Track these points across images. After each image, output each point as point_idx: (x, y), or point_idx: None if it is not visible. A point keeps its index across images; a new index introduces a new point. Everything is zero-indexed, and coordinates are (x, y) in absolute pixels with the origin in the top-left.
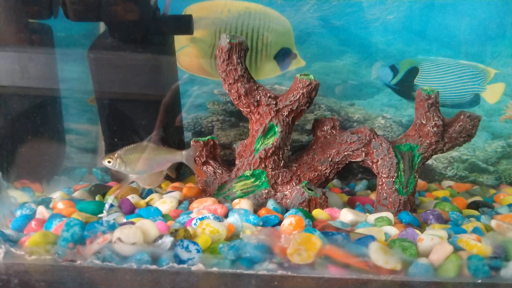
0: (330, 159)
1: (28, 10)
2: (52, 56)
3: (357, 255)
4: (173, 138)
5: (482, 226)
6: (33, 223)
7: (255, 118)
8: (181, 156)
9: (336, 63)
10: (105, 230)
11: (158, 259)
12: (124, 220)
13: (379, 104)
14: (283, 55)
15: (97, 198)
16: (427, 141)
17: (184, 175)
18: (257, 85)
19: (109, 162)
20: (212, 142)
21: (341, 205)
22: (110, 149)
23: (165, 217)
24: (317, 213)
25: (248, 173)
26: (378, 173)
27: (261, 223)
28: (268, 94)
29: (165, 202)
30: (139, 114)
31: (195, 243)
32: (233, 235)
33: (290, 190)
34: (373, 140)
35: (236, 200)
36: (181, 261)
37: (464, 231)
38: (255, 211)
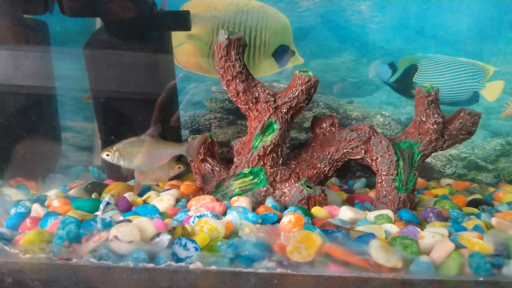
0: (329, 157)
1: (23, 6)
2: (48, 52)
3: (358, 253)
4: (170, 136)
5: (483, 224)
6: (28, 221)
7: (253, 115)
8: (181, 148)
9: (335, 61)
10: (101, 228)
11: (155, 258)
12: (121, 218)
13: (378, 102)
14: (281, 52)
15: (94, 196)
16: (427, 139)
17: (182, 173)
18: (256, 82)
19: (107, 155)
20: (210, 140)
21: (340, 203)
22: (107, 147)
23: (163, 215)
24: (316, 210)
25: (246, 170)
26: (378, 170)
27: (260, 221)
28: (267, 91)
29: (163, 200)
30: (135, 111)
31: (193, 241)
32: (232, 233)
33: (289, 188)
34: (373, 137)
35: (235, 198)
36: (179, 260)
37: (465, 229)
38: (254, 209)
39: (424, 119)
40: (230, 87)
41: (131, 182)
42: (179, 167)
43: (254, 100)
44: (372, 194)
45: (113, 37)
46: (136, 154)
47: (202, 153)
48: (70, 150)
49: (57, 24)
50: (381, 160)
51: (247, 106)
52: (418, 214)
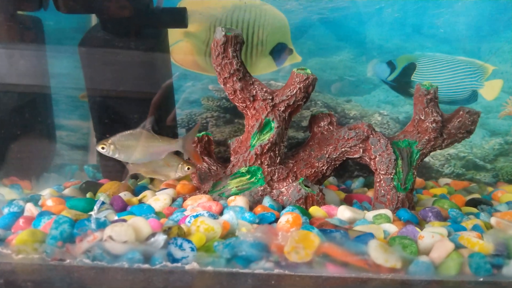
0: (327, 156)
1: (17, 2)
2: (42, 50)
3: (356, 253)
4: (166, 135)
5: (482, 223)
6: (21, 220)
7: (250, 114)
8: (177, 144)
9: (333, 59)
10: (95, 228)
11: (150, 258)
12: (116, 218)
13: (376, 101)
14: (279, 51)
15: (88, 195)
16: (426, 137)
17: None
18: (253, 80)
19: (102, 148)
20: (206, 138)
21: (338, 203)
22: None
23: (158, 215)
24: (314, 210)
25: (243, 169)
26: (376, 169)
27: (257, 221)
28: (264, 89)
29: (158, 200)
30: (131, 109)
31: (189, 241)
32: (229, 233)
33: (286, 187)
34: (371, 136)
35: (231, 197)
36: (174, 260)
37: (464, 229)
38: (251, 209)
39: (423, 118)
40: (227, 85)
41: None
42: (188, 168)
43: (251, 98)
44: (370, 193)
45: (108, 34)
46: (131, 147)
47: (199, 152)
48: (65, 149)
49: (52, 21)
50: (379, 159)
51: (244, 104)
52: (417, 214)
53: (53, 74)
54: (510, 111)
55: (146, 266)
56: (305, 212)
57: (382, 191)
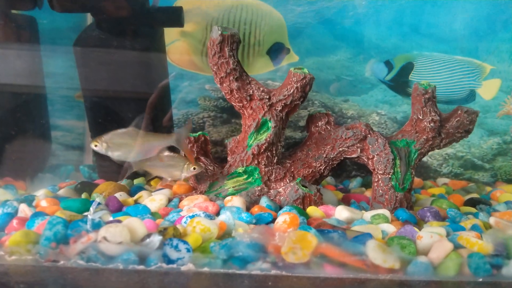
0: (324, 155)
1: (11, 1)
2: (37, 49)
3: (354, 254)
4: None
5: (481, 223)
6: (14, 221)
7: (247, 113)
8: (171, 140)
9: (330, 58)
10: (89, 229)
11: (146, 259)
12: (111, 218)
13: (374, 100)
14: (276, 50)
15: (83, 196)
16: (424, 137)
17: None
18: (250, 79)
19: (95, 146)
20: (203, 138)
21: (336, 203)
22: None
23: (154, 215)
24: (311, 210)
25: (240, 169)
26: (374, 169)
27: (254, 221)
28: (261, 88)
29: (154, 200)
30: (127, 109)
31: (185, 242)
32: (225, 234)
33: (284, 187)
34: (369, 135)
35: (228, 198)
36: (170, 261)
37: (463, 229)
38: (248, 209)
39: (421, 117)
40: (224, 85)
41: (123, 182)
42: (194, 168)
43: (248, 98)
44: (368, 193)
45: (104, 34)
46: (124, 145)
47: (195, 152)
48: (60, 149)
49: (47, 20)
50: (377, 158)
51: (241, 104)
52: (415, 214)
53: (48, 74)
54: (508, 110)
55: (141, 267)
56: (302, 212)
57: (380, 191)
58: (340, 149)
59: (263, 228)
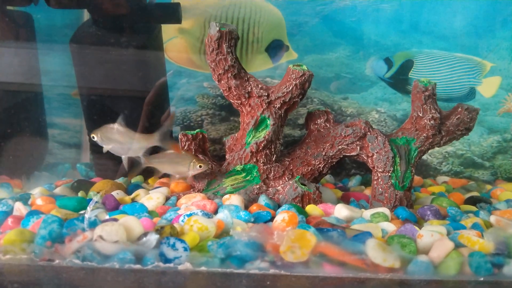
0: (323, 153)
1: None
2: (33, 46)
3: (354, 253)
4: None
5: (481, 221)
6: (9, 220)
7: (246, 111)
8: (153, 139)
9: (329, 56)
10: (85, 228)
11: (142, 258)
12: (107, 217)
13: (373, 98)
14: (274, 47)
15: (80, 194)
16: (424, 135)
17: None
18: (248, 76)
19: (93, 137)
20: (201, 136)
21: (335, 201)
22: (95, 143)
23: (151, 214)
24: (310, 208)
25: (239, 167)
26: (374, 167)
27: (252, 220)
28: (260, 86)
29: (151, 198)
30: (124, 107)
31: (182, 241)
32: (223, 232)
33: (282, 185)
34: (368, 133)
35: (226, 196)
36: (167, 260)
37: (464, 227)
38: (246, 207)
39: (421, 115)
40: (222, 82)
41: (119, 180)
42: (200, 166)
43: (246, 95)
44: (367, 191)
45: (100, 30)
46: (113, 141)
47: (193, 150)
48: (57, 147)
49: (43, 16)
50: (377, 156)
51: (239, 101)
52: (415, 212)
53: (44, 71)
54: (509, 108)
55: (138, 266)
56: (301, 211)
57: (380, 189)
58: (340, 147)
59: (262, 227)
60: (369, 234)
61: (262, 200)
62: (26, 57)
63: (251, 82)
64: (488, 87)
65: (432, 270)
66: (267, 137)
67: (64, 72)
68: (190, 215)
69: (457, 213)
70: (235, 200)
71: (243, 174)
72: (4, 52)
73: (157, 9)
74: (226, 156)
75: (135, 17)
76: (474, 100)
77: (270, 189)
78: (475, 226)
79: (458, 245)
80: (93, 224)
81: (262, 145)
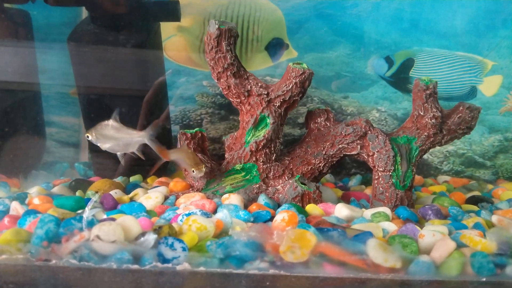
0: (324, 152)
1: None
2: (31, 44)
3: (355, 253)
4: (160, 134)
5: (483, 221)
6: (6, 219)
7: (245, 109)
8: (141, 137)
9: (329, 54)
10: (82, 227)
11: (140, 258)
12: (104, 217)
13: (374, 97)
14: (274, 46)
15: (78, 193)
16: (425, 134)
17: (172, 169)
18: (248, 74)
19: (87, 136)
20: (200, 135)
21: (336, 200)
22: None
23: (149, 213)
24: (311, 208)
25: (238, 166)
26: (374, 166)
27: (252, 219)
28: (259, 84)
29: (150, 198)
30: (123, 105)
31: (180, 241)
32: (222, 232)
33: (282, 185)
34: (369, 132)
35: (226, 195)
36: (165, 260)
37: (465, 227)
38: (246, 207)
39: (422, 114)
40: (221, 80)
41: (118, 179)
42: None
43: (246, 94)
44: (368, 191)
45: (98, 28)
46: (107, 137)
47: (192, 149)
48: (55, 146)
49: (41, 14)
50: (377, 155)
51: (238, 100)
52: (416, 212)
53: (42, 70)
54: (510, 107)
55: (135, 266)
56: (301, 210)
57: (381, 189)
58: (340, 146)
59: (261, 227)
60: (370, 234)
61: (262, 199)
62: (23, 56)
63: (250, 81)
64: (489, 86)
65: (433, 271)
66: (266, 136)
67: (62, 71)
68: (188, 214)
69: (458, 212)
70: (234, 199)
71: (243, 173)
72: (1, 50)
73: (155, 6)
74: (225, 155)
75: (133, 15)
76: (475, 99)
77: (269, 188)
78: (477, 226)
79: (460, 245)
80: (90, 224)
81: (262, 144)
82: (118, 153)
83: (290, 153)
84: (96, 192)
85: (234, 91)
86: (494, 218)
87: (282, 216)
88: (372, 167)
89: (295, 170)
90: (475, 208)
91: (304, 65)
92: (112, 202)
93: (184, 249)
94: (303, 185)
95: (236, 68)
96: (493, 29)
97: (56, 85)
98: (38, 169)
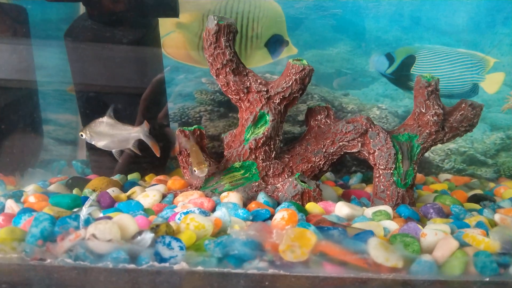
0: (324, 150)
1: None
2: (28, 41)
3: (355, 252)
4: (158, 131)
5: (486, 220)
6: (0, 218)
7: (244, 106)
8: (137, 132)
9: (330, 51)
10: (78, 226)
11: (137, 258)
12: (100, 215)
13: (374, 94)
14: (274, 43)
15: (75, 191)
16: (427, 131)
17: (171, 167)
18: (247, 71)
19: (81, 135)
20: (198, 132)
21: (336, 199)
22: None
23: (147, 212)
24: (311, 206)
25: (237, 164)
26: (375, 164)
27: (251, 218)
28: (259, 81)
29: (148, 196)
30: (121, 103)
31: (178, 240)
32: (220, 231)
33: (282, 183)
34: (370, 129)
35: (224, 193)
36: (162, 260)
37: (467, 226)
38: (245, 205)
39: (423, 111)
40: (220, 76)
41: (116, 177)
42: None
43: (245, 90)
44: (368, 189)
45: (96, 24)
46: (102, 134)
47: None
48: (52, 144)
49: (38, 10)
50: (378, 153)
51: (238, 97)
52: (418, 210)
53: (39, 67)
54: None
55: (132, 266)
56: (301, 209)
57: (382, 187)
58: (340, 143)
59: (260, 225)
60: (370, 233)
61: (261, 197)
62: (20, 52)
63: (250, 77)
64: (491, 83)
65: (436, 270)
66: (266, 133)
67: (59, 67)
68: (186, 213)
69: (460, 211)
70: (233, 197)
71: (242, 171)
72: None
73: (154, 2)
74: (224, 153)
75: (131, 11)
76: (477, 97)
77: (269, 186)
78: (479, 225)
79: (462, 244)
80: (86, 222)
81: (261, 141)
82: (114, 151)
83: (290, 150)
84: (93, 190)
85: (233, 88)
86: (497, 217)
87: (281, 214)
88: (373, 165)
89: (295, 168)
90: (477, 206)
91: (304, 62)
92: (109, 200)
93: (181, 248)
94: (303, 183)
95: (235, 65)
96: (496, 26)
97: (53, 82)
98: (35, 167)
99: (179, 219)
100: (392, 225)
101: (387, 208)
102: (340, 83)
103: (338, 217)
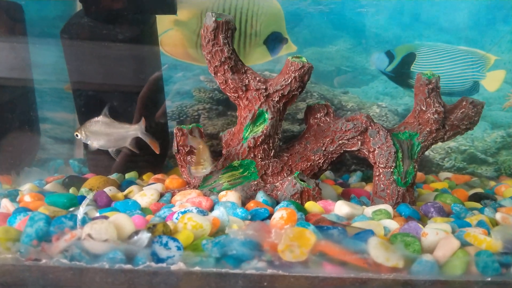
0: (323, 148)
1: None
2: (24, 38)
3: (355, 252)
4: (155, 129)
5: (487, 219)
6: None
7: (243, 104)
8: (134, 130)
9: (329, 49)
10: (73, 226)
11: (133, 258)
12: (97, 214)
13: (374, 92)
14: (273, 40)
15: (71, 190)
16: (427, 129)
17: (169, 166)
18: (246, 68)
19: (76, 135)
20: (197, 130)
21: (336, 198)
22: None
23: (144, 211)
24: (310, 205)
25: (236, 163)
26: (375, 163)
27: (249, 217)
28: (258, 78)
29: (145, 195)
30: (118, 100)
31: (175, 240)
32: (218, 230)
33: (281, 182)
34: (370, 127)
35: (223, 192)
36: (159, 260)
37: (469, 225)
38: (243, 204)
39: (424, 109)
40: (218, 74)
41: (113, 176)
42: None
43: (244, 88)
44: (368, 188)
45: (93, 21)
46: (97, 134)
47: (189, 146)
48: (49, 143)
49: (34, 7)
50: (378, 151)
51: (236, 95)
52: (418, 209)
53: (35, 65)
54: None
55: (129, 266)
56: (300, 208)
57: (382, 186)
58: (340, 141)
59: (259, 225)
60: (371, 232)
61: (260, 196)
62: (16, 50)
63: (248, 75)
64: (492, 81)
65: (437, 270)
66: (265, 131)
67: (56, 65)
68: (184, 212)
69: (461, 210)
70: (231, 197)
71: (240, 170)
72: None
73: None
74: (222, 151)
75: (128, 8)
76: (477, 94)
77: (268, 185)
78: (480, 224)
79: (464, 244)
80: (82, 222)
81: (260, 140)
82: (110, 149)
83: (289, 149)
84: (90, 189)
85: (232, 86)
86: (498, 216)
87: (280, 213)
88: (373, 164)
89: (294, 166)
90: (478, 205)
91: (304, 59)
92: (106, 199)
93: (179, 248)
94: (302, 182)
95: (233, 62)
96: (496, 23)
97: (50, 80)
98: (31, 165)
99: (176, 218)
100: (393, 224)
101: (387, 207)
102: (339, 81)
103: (337, 216)
